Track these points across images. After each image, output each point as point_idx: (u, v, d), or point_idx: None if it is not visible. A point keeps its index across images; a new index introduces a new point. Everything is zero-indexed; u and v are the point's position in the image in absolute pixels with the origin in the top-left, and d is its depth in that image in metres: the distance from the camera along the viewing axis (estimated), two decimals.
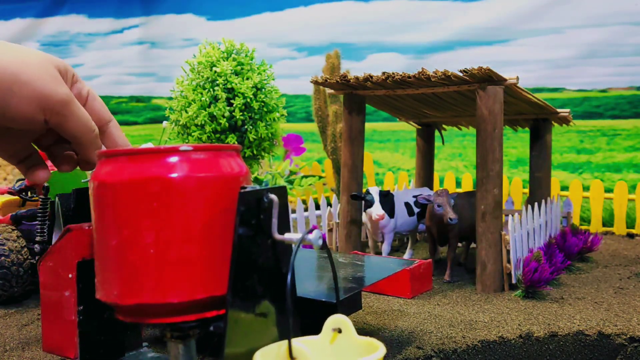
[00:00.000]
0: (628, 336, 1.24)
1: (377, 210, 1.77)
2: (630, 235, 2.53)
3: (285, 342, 0.61)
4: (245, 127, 1.73)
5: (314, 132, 2.86)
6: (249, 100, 1.69)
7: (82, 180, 0.70)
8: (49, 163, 1.76)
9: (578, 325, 1.28)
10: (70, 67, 0.61)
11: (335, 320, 0.66)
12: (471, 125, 2.38)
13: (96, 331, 0.71)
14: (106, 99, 4.90)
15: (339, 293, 0.71)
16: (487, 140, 1.56)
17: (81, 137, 0.60)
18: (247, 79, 1.72)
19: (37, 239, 1.49)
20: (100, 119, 0.65)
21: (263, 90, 1.75)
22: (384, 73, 1.63)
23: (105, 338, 0.72)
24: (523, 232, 1.68)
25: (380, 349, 0.60)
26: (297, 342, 0.59)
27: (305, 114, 4.27)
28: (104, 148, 0.66)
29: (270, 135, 1.77)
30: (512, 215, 1.61)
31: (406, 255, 2.00)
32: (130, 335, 0.77)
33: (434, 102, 1.94)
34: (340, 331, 0.65)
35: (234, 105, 1.69)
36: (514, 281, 1.57)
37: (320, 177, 3.12)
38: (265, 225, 0.62)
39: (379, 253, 1.97)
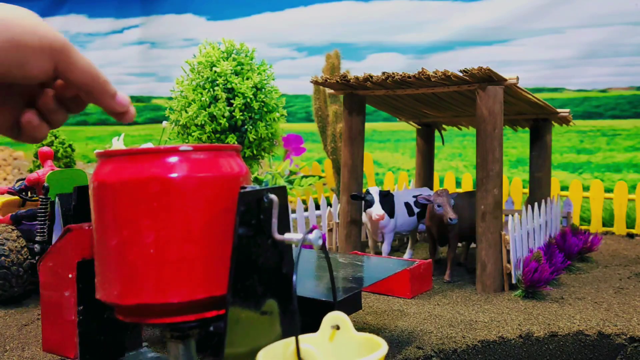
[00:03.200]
0: (628, 336, 1.24)
1: (377, 210, 1.77)
2: (630, 235, 2.53)
3: (290, 341, 0.61)
4: (245, 127, 1.73)
5: (314, 132, 2.86)
6: (249, 100, 1.69)
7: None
8: (48, 163, 1.76)
9: (578, 325, 1.28)
10: None
11: (333, 317, 0.66)
12: (471, 125, 2.38)
13: (96, 331, 0.71)
14: None
15: (335, 293, 0.71)
16: (487, 140, 1.56)
17: (87, 79, 0.57)
18: (247, 79, 1.72)
19: (37, 239, 1.49)
20: None
21: (263, 90, 1.75)
22: (384, 73, 1.63)
23: (105, 338, 0.72)
24: (523, 232, 1.68)
25: (383, 347, 0.59)
26: (304, 342, 0.59)
27: (305, 114, 4.27)
28: (119, 97, 0.61)
29: (270, 135, 1.77)
30: (512, 215, 1.61)
31: (406, 255, 2.00)
32: (130, 335, 0.77)
33: (434, 102, 1.94)
34: (338, 328, 0.65)
35: (234, 105, 1.69)
36: (514, 281, 1.57)
37: (320, 177, 3.12)
38: (265, 225, 0.62)
39: (379, 253, 1.97)
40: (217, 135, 1.73)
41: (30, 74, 0.53)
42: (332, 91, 1.90)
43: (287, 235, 0.62)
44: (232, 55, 1.76)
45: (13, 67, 0.52)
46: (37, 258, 1.49)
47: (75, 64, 0.55)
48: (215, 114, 1.69)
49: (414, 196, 1.86)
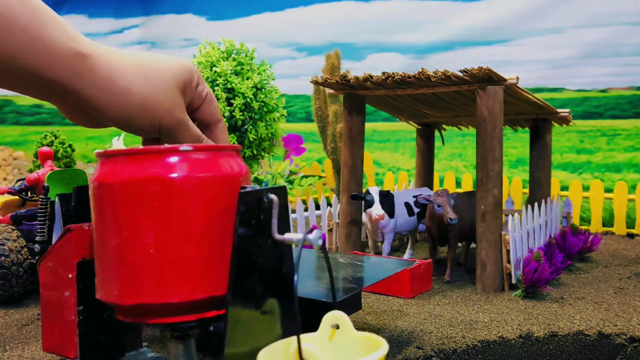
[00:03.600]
0: (628, 336, 1.24)
1: (377, 210, 1.77)
2: (630, 235, 2.53)
3: (291, 341, 0.61)
4: (245, 127, 1.73)
5: (314, 132, 2.86)
6: (249, 100, 1.69)
7: None
8: (48, 163, 1.76)
9: (578, 325, 1.28)
10: (196, 70, 0.70)
11: (333, 316, 0.66)
12: (471, 125, 2.38)
13: (96, 331, 0.71)
14: None
15: (335, 294, 0.71)
16: (487, 140, 1.56)
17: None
18: (247, 79, 1.72)
19: (37, 239, 1.49)
20: (210, 119, 0.74)
21: (263, 90, 1.75)
22: (384, 73, 1.63)
23: (105, 338, 0.72)
24: (523, 232, 1.68)
25: (383, 346, 0.59)
26: (305, 342, 0.59)
27: (305, 114, 4.27)
28: None
29: (270, 135, 1.77)
30: (512, 215, 1.61)
31: (406, 255, 2.00)
32: (130, 335, 0.77)
33: (434, 102, 1.94)
34: (338, 327, 0.65)
35: (234, 105, 1.69)
36: (514, 281, 1.57)
37: (320, 177, 3.12)
38: (265, 225, 0.62)
39: (379, 253, 1.97)
40: None
41: (135, 132, 0.66)
42: (332, 91, 1.90)
43: (287, 235, 0.62)
44: (232, 55, 1.76)
45: (120, 127, 0.65)
46: (37, 258, 1.49)
47: (179, 138, 0.68)
48: None
49: (414, 196, 1.86)
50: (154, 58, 0.66)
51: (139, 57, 0.65)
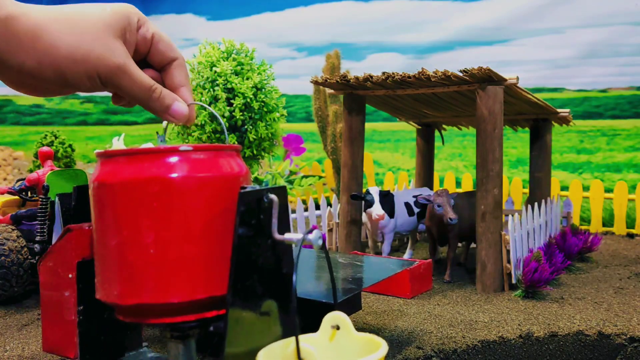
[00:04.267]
0: (628, 336, 1.24)
1: (377, 210, 1.77)
2: (630, 235, 2.53)
3: (290, 341, 0.61)
4: (245, 127, 1.73)
5: (314, 132, 2.86)
6: (249, 100, 1.69)
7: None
8: (48, 163, 1.76)
9: (578, 325, 1.28)
10: (134, 13, 0.65)
11: (333, 317, 0.66)
12: (471, 125, 2.38)
13: (96, 331, 0.71)
14: (106, 99, 4.90)
15: (336, 295, 0.71)
16: (487, 140, 1.56)
17: (138, 97, 0.65)
18: (247, 79, 1.72)
19: (37, 239, 1.49)
20: (163, 59, 0.69)
21: (263, 90, 1.75)
22: (384, 73, 1.63)
23: (105, 338, 0.72)
24: (523, 232, 1.68)
25: (383, 347, 0.59)
26: (303, 342, 0.59)
27: (305, 114, 4.27)
28: (174, 109, 0.67)
29: (270, 135, 1.77)
30: (512, 215, 1.61)
31: (406, 255, 2.00)
32: (130, 335, 0.77)
33: (434, 102, 1.94)
34: (338, 328, 0.65)
35: (234, 105, 1.69)
36: (514, 281, 1.57)
37: (320, 177, 3.12)
38: (265, 225, 0.62)
39: (379, 253, 1.97)
40: (217, 135, 1.73)
41: (79, 91, 0.62)
42: (332, 91, 1.90)
43: (287, 235, 0.62)
44: (232, 55, 1.76)
45: (63, 88, 0.61)
46: (37, 258, 1.49)
47: (124, 87, 0.63)
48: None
49: (414, 196, 1.86)
50: (83, 9, 0.62)
51: (66, 10, 0.61)
